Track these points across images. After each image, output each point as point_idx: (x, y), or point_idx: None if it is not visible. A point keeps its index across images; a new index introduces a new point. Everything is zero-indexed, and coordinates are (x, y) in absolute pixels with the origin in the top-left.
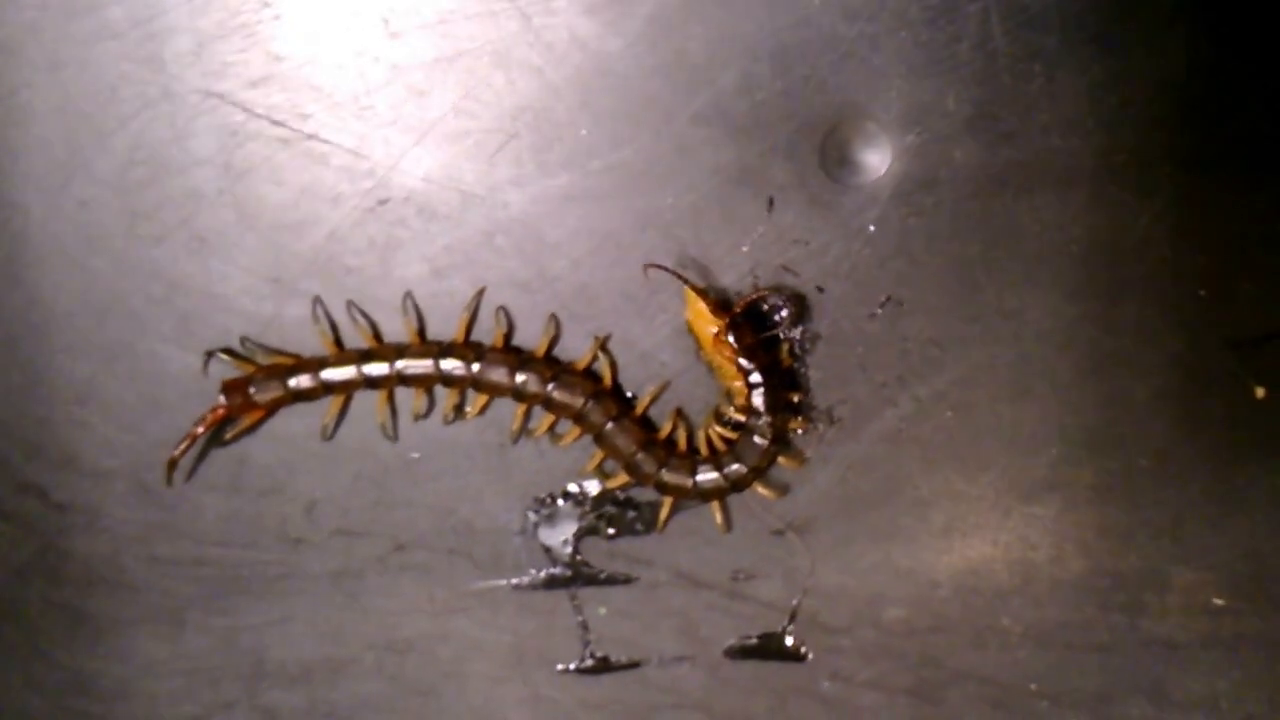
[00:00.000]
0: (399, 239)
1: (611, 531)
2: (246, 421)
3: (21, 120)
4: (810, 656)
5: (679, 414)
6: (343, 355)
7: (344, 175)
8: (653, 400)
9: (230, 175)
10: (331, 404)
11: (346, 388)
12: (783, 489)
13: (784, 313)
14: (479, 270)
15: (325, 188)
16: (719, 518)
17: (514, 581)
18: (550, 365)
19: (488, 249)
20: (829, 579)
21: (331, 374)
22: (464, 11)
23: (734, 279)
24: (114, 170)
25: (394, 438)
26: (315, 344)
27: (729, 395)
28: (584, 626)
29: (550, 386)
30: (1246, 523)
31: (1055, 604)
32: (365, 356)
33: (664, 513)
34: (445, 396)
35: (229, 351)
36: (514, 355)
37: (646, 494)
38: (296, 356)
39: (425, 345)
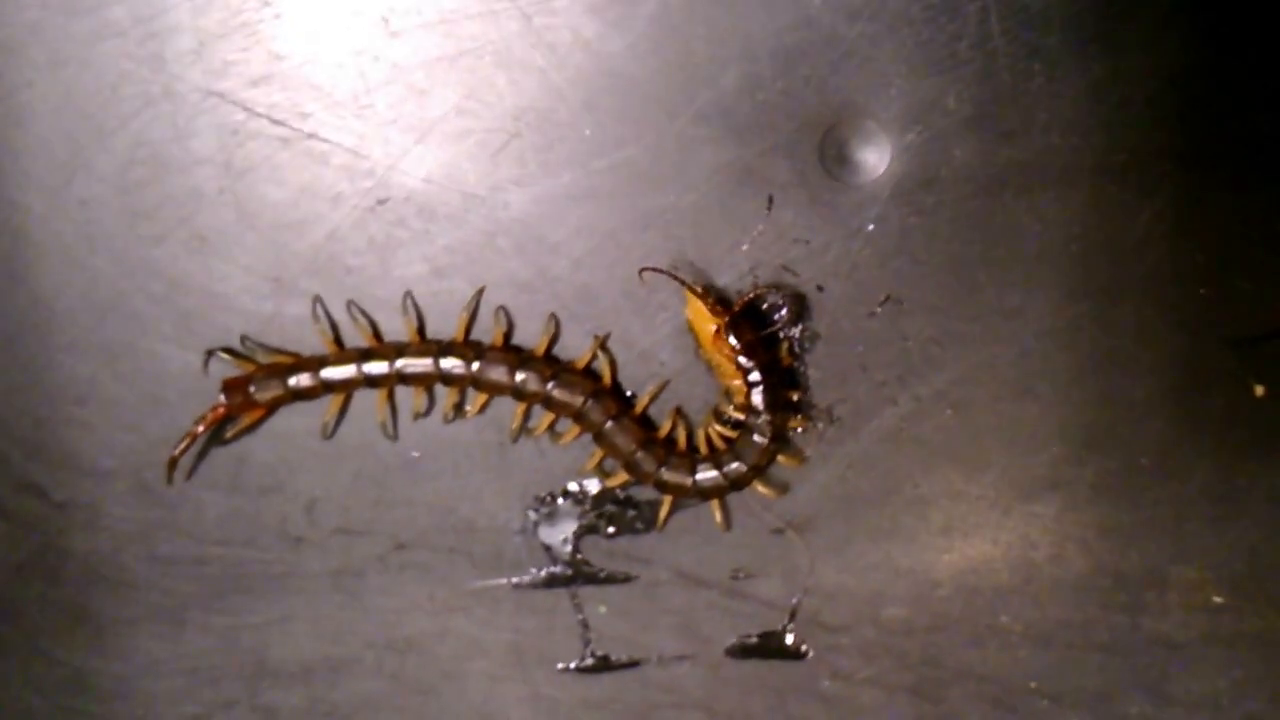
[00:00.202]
0: (399, 238)
1: (611, 530)
2: (247, 420)
3: (23, 119)
4: (810, 655)
5: (678, 413)
6: (343, 354)
7: (344, 174)
8: (652, 399)
9: (231, 174)
10: (331, 403)
11: (346, 386)
12: (783, 488)
13: (783, 311)
14: (479, 270)
15: (325, 187)
16: (719, 516)
17: (514, 580)
18: (550, 364)
19: (488, 249)
20: (829, 578)
21: (331, 373)
22: (465, 11)
23: (734, 278)
24: (115, 169)
25: (394, 436)
26: (315, 343)
27: (728, 394)
28: (584, 625)
29: (550, 385)
30: (1247, 521)
31: (1055, 603)
32: (365, 355)
33: (664, 511)
34: (445, 395)
35: (229, 350)
36: (514, 354)
37: (646, 492)
38: (296, 355)
39: (425, 344)
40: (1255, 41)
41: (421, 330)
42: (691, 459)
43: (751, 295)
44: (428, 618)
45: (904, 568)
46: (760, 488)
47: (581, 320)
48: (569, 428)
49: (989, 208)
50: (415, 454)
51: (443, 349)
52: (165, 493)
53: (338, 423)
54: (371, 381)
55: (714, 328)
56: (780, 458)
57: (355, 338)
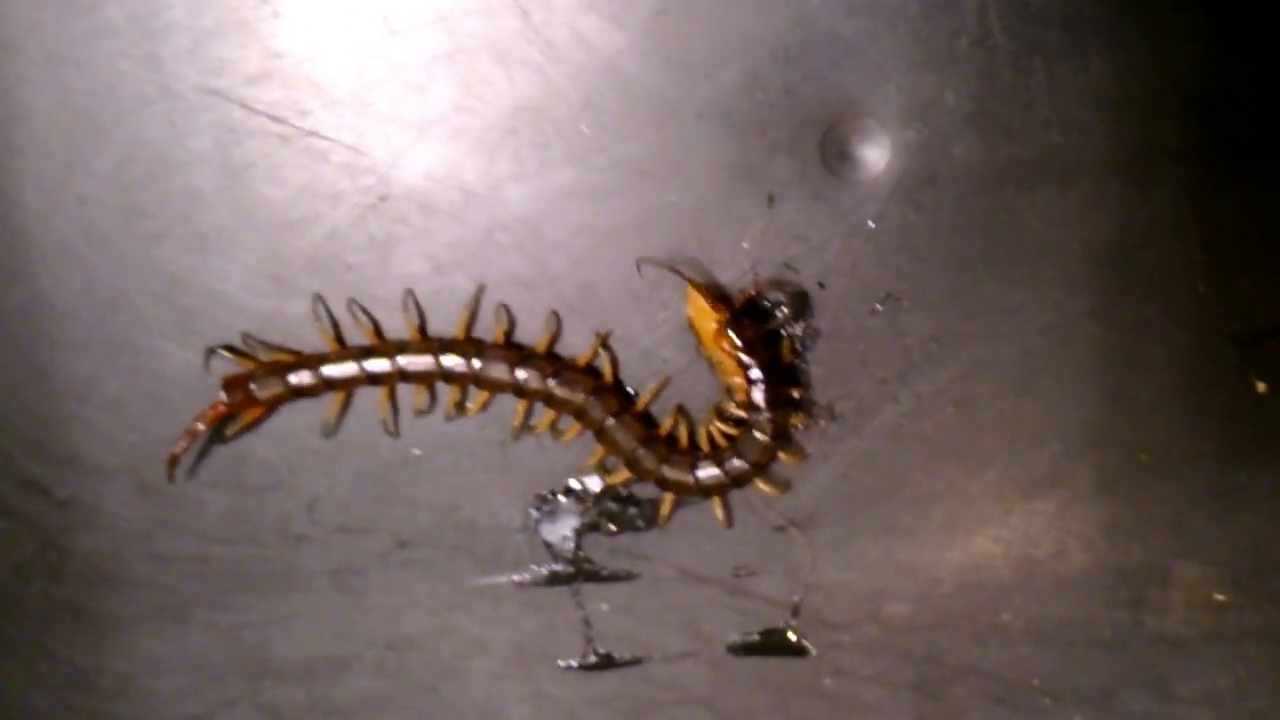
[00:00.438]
0: (399, 236)
1: (613, 528)
2: (248, 418)
3: (20, 118)
4: (812, 652)
5: (680, 410)
6: (344, 352)
7: (344, 172)
8: (654, 396)
9: (229, 172)
10: (333, 401)
11: (348, 384)
12: (784, 485)
13: (785, 309)
14: (480, 267)
15: (326, 185)
16: (720, 514)
17: (516, 578)
18: (551, 361)
19: (489, 245)
20: (831, 575)
21: (332, 370)
22: (464, 8)
23: (735, 275)
24: (113, 167)
25: (395, 434)
26: (316, 341)
27: (730, 391)
28: (586, 623)
29: (551, 383)
30: (1249, 518)
31: (1057, 600)
32: (366, 353)
33: (665, 509)
34: (446, 393)
35: (230, 348)
36: (515, 352)
37: (648, 490)
38: (297, 353)
39: (426, 342)
40: (1256, 37)
41: (423, 328)
42: (693, 456)
43: (752, 292)
44: (429, 616)
45: (906, 565)
46: (762, 485)
47: (583, 317)
48: (570, 425)
49: (990, 205)
50: (417, 452)
51: (444, 346)
52: (167, 491)
53: (339, 421)
54: (373, 379)
55: (715, 325)
56: (781, 455)
57: (356, 335)
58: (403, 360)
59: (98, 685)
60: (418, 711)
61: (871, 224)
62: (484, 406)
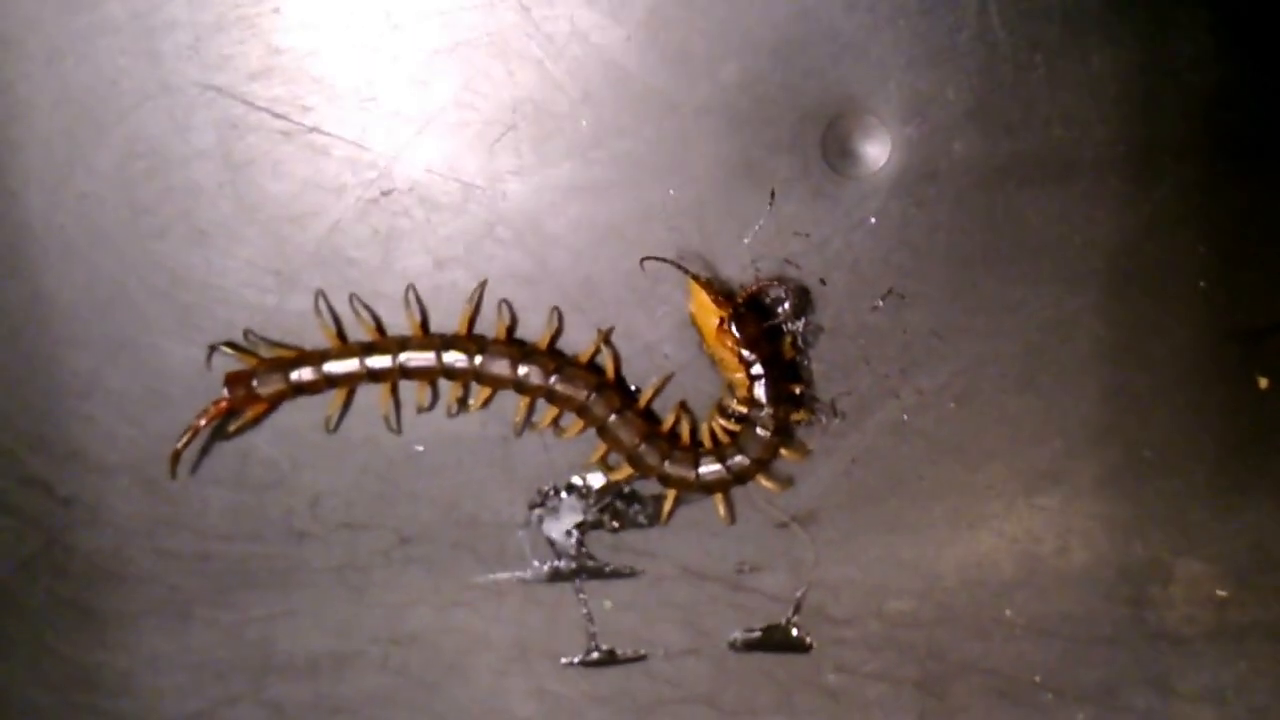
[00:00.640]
0: (401, 230)
1: (615, 524)
2: (250, 415)
3: (21, 114)
4: (815, 648)
5: (682, 406)
6: (345, 348)
7: (346, 167)
8: (656, 393)
9: (230, 168)
10: (335, 397)
11: (349, 381)
12: (786, 481)
13: (786, 304)
14: (481, 262)
15: (328, 179)
16: (722, 510)
17: (518, 575)
18: (553, 358)
19: (489, 240)
20: (833, 571)
21: (334, 367)
22: (464, 3)
23: (736, 271)
24: (114, 163)
25: (398, 431)
26: (318, 337)
27: (732, 387)
28: (589, 619)
29: (553, 379)
30: (1251, 514)
31: (1060, 596)
32: (368, 349)
33: (668, 505)
34: (448, 389)
35: (232, 345)
36: (517, 348)
37: (650, 486)
38: (299, 349)
39: (428, 338)
40: (1256, 32)
41: (424, 324)
42: (695, 453)
43: (754, 288)
44: (432, 612)
45: (908, 561)
46: (764, 481)
47: (584, 313)
48: (573, 422)
49: (991, 201)
50: (419, 448)
51: (446, 343)
52: (169, 488)
53: (341, 417)
54: (374, 376)
55: (717, 321)
56: (784, 451)
57: (358, 331)
58: (404, 356)
59: (100, 682)
60: (420, 708)
61: (873, 220)
62: (486, 403)
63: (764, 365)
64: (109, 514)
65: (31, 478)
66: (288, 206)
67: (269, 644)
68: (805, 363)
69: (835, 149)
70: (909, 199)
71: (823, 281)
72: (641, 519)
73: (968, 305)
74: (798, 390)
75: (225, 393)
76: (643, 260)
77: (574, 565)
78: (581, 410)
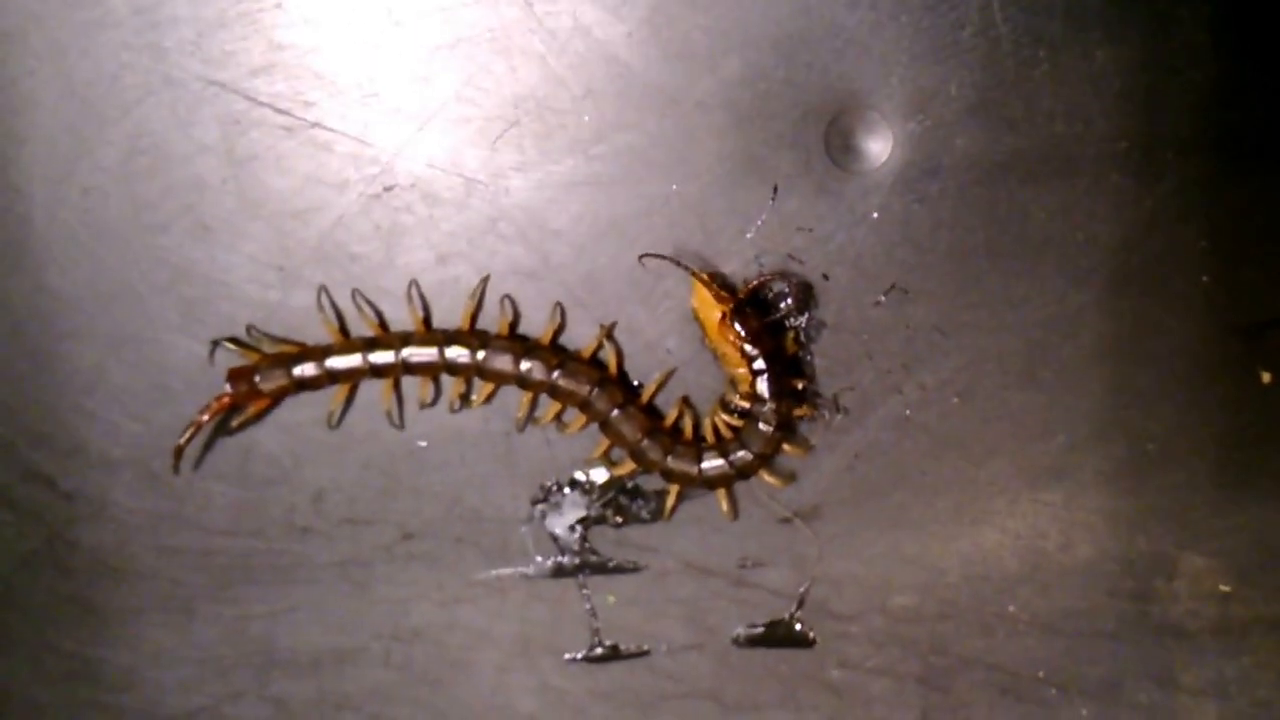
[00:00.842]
0: (404, 225)
1: (618, 520)
2: (253, 410)
3: (24, 109)
4: (818, 644)
5: (685, 401)
6: (348, 343)
7: (348, 162)
8: (658, 388)
9: (233, 163)
10: (337, 392)
11: (352, 376)
12: (789, 476)
13: (789, 299)
14: (483, 257)
15: (331, 175)
16: (725, 505)
17: (521, 570)
18: (556, 353)
19: (492, 235)
20: (837, 566)
21: (337, 362)
22: None
23: (739, 266)
24: (117, 158)
25: (400, 426)
26: (321, 332)
27: (734, 383)
28: (592, 615)
29: (556, 374)
30: (1254, 508)
31: (1063, 591)
32: (370, 345)
33: (670, 501)
34: (451, 385)
35: (235, 340)
36: (519, 343)
37: (653, 482)
38: (302, 345)
39: (430, 333)
40: (1258, 27)
41: (427, 319)
42: (698, 448)
43: (757, 283)
44: (435, 608)
45: (911, 556)
46: (767, 477)
47: (587, 309)
48: (575, 417)
49: (993, 196)
50: (422, 444)
51: (448, 338)
52: (172, 483)
53: (344, 412)
54: (377, 371)
55: (719, 316)
56: (786, 446)
57: (361, 327)
58: (407, 352)
59: (102, 678)
60: (424, 703)
61: (875, 215)
62: (489, 398)
63: (766, 360)
64: (112, 509)
65: (34, 473)
66: (290, 202)
67: (272, 640)
68: (808, 358)
69: (838, 144)
70: (911, 194)
71: (825, 277)
72: (644, 514)
73: (970, 301)
74: (800, 385)
75: (228, 388)
76: (641, 257)
77: (577, 561)
78: (584, 405)
